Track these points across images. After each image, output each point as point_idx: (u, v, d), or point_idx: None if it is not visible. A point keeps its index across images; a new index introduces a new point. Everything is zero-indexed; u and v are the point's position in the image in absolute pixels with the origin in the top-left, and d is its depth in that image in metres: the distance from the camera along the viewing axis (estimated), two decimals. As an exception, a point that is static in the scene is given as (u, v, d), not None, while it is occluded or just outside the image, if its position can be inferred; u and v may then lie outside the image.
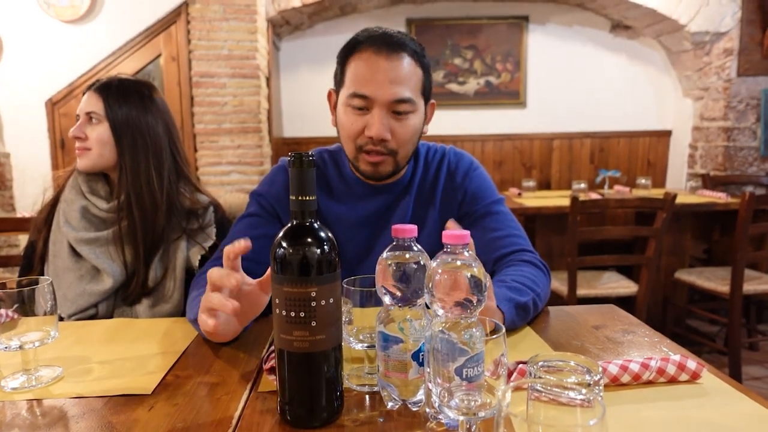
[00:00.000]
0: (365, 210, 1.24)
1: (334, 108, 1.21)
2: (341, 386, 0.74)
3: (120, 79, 1.36)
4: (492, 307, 0.90)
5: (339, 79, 1.18)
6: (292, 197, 0.71)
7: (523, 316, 1.03)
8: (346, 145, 1.19)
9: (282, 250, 0.70)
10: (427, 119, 1.24)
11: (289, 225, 0.72)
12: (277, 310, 0.70)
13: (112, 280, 1.28)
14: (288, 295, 0.69)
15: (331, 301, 0.70)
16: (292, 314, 0.69)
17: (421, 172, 1.28)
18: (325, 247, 0.70)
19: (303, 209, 0.71)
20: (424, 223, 1.25)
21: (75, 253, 1.31)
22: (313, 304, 0.68)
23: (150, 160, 1.33)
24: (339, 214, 1.25)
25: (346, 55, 1.15)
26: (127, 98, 1.33)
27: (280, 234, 0.71)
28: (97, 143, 1.32)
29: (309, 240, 0.70)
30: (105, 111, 1.32)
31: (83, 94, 1.36)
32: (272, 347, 0.80)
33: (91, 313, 1.28)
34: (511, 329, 1.02)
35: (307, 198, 0.71)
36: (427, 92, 1.18)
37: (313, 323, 0.69)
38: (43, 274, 1.33)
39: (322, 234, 0.71)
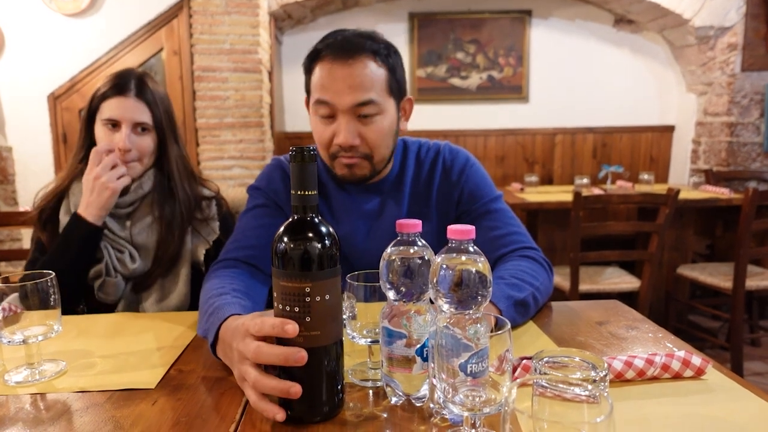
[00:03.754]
0: (358, 209, 1.23)
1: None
2: (342, 382, 0.74)
3: (143, 75, 1.31)
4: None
5: (307, 88, 1.18)
6: (293, 192, 0.71)
7: (523, 312, 1.02)
8: (321, 153, 1.18)
9: (282, 245, 0.69)
10: (405, 116, 1.23)
11: (290, 220, 0.72)
12: (275, 304, 0.71)
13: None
14: (284, 290, 0.69)
15: (327, 297, 0.69)
16: (287, 309, 0.68)
17: (414, 169, 1.26)
18: (324, 242, 0.69)
19: (304, 204, 0.71)
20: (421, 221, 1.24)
21: None
22: (308, 299, 0.68)
23: (179, 149, 1.34)
24: (336, 211, 1.24)
25: (309, 63, 1.15)
26: (161, 97, 1.30)
27: (281, 229, 0.71)
28: (147, 154, 1.29)
29: (308, 235, 0.69)
30: (153, 120, 1.28)
31: (104, 96, 1.26)
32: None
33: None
34: (512, 326, 1.01)
35: (308, 192, 0.71)
36: (396, 90, 1.16)
37: (308, 319, 0.68)
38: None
39: (323, 229, 0.71)
